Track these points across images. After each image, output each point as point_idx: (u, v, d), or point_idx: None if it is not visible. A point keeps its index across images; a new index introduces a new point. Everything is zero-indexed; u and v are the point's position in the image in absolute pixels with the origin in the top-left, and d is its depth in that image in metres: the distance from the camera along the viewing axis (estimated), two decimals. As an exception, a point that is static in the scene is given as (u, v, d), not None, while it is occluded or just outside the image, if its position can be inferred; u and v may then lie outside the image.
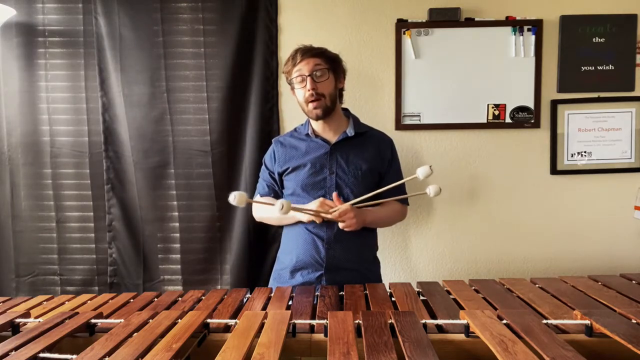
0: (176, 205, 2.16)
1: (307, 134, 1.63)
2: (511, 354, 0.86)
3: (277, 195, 1.72)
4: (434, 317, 1.20)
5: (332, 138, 1.62)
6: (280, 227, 1.91)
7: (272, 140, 1.75)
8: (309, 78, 1.52)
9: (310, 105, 1.54)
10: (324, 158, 1.59)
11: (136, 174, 2.15)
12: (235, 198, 1.38)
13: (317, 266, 1.60)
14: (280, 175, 1.66)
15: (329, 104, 1.56)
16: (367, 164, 1.62)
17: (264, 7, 2.09)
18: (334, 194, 1.53)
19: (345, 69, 1.66)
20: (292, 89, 1.61)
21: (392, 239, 2.15)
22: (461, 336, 1.05)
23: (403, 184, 1.69)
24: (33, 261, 2.21)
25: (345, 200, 1.57)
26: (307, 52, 1.54)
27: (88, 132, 2.15)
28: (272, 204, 1.41)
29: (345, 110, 1.72)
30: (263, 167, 1.76)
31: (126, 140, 2.13)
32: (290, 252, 1.65)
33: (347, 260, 1.60)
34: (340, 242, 1.59)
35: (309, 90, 1.52)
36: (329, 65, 1.56)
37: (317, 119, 1.58)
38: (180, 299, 1.43)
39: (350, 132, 1.61)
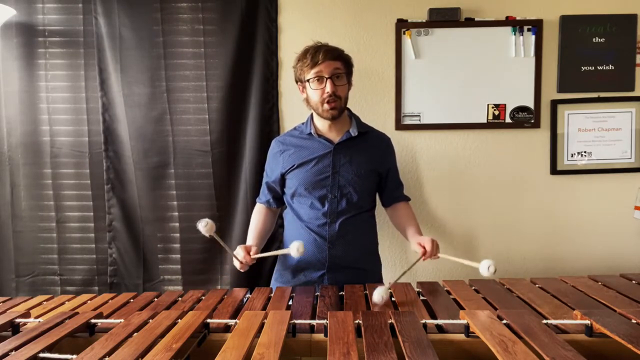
0: (176, 205, 2.16)
1: (310, 133, 1.63)
2: (511, 354, 0.87)
3: (278, 200, 1.73)
4: (434, 317, 1.20)
5: (335, 137, 1.62)
6: (281, 227, 1.92)
7: (273, 141, 1.75)
8: (329, 80, 1.51)
9: (327, 106, 1.53)
10: (328, 157, 1.60)
11: (136, 174, 2.15)
12: (206, 225, 1.42)
13: (319, 265, 1.60)
14: (283, 174, 1.66)
15: (343, 106, 1.58)
16: (369, 163, 1.63)
17: (264, 7, 2.09)
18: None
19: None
20: (303, 87, 1.59)
21: (392, 239, 2.15)
22: (461, 336, 1.05)
23: (399, 178, 1.77)
24: (33, 261, 2.21)
25: (348, 200, 1.59)
26: (329, 53, 1.52)
27: (88, 132, 2.15)
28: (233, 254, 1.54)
29: (347, 109, 1.72)
30: (264, 172, 1.76)
31: (126, 140, 2.13)
32: None
33: (349, 259, 1.61)
34: (342, 241, 1.60)
35: (328, 92, 1.51)
36: (346, 69, 1.57)
37: (332, 119, 1.58)
38: (180, 299, 1.43)
39: (353, 132, 1.61)
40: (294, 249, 1.41)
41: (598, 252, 2.16)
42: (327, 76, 1.51)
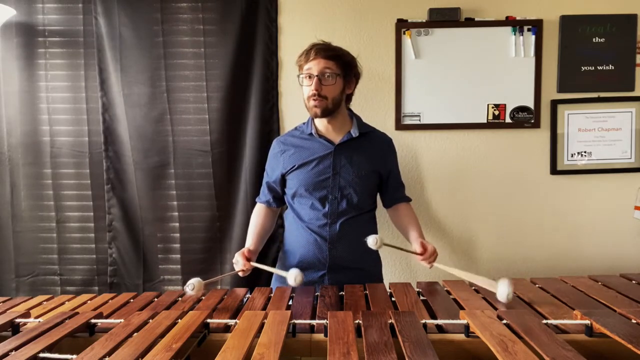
0: (176, 205, 2.16)
1: (311, 134, 1.63)
2: (511, 354, 0.86)
3: (278, 200, 1.73)
4: (434, 317, 1.20)
5: (336, 138, 1.62)
6: (281, 227, 1.92)
7: (274, 141, 1.74)
8: (315, 78, 1.51)
9: (312, 103, 1.54)
10: (328, 158, 1.59)
11: (136, 174, 2.15)
12: (193, 288, 1.34)
13: (320, 266, 1.60)
14: (284, 175, 1.66)
15: (330, 107, 1.55)
16: (370, 164, 1.63)
17: (264, 7, 2.09)
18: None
19: (360, 73, 1.64)
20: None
21: (392, 239, 2.15)
22: (461, 336, 1.05)
23: (401, 179, 1.77)
24: (33, 261, 2.21)
25: (348, 200, 1.59)
26: (321, 51, 1.52)
27: (88, 132, 2.15)
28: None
29: (349, 110, 1.72)
30: (265, 172, 1.76)
31: (126, 140, 2.13)
32: (293, 252, 1.65)
33: (350, 259, 1.61)
34: (343, 241, 1.60)
35: (312, 90, 1.52)
36: (340, 70, 1.54)
37: (315, 116, 1.58)
38: (180, 299, 1.43)
39: (354, 132, 1.61)
40: (292, 277, 1.37)
41: (598, 252, 2.16)
42: (315, 74, 1.51)
